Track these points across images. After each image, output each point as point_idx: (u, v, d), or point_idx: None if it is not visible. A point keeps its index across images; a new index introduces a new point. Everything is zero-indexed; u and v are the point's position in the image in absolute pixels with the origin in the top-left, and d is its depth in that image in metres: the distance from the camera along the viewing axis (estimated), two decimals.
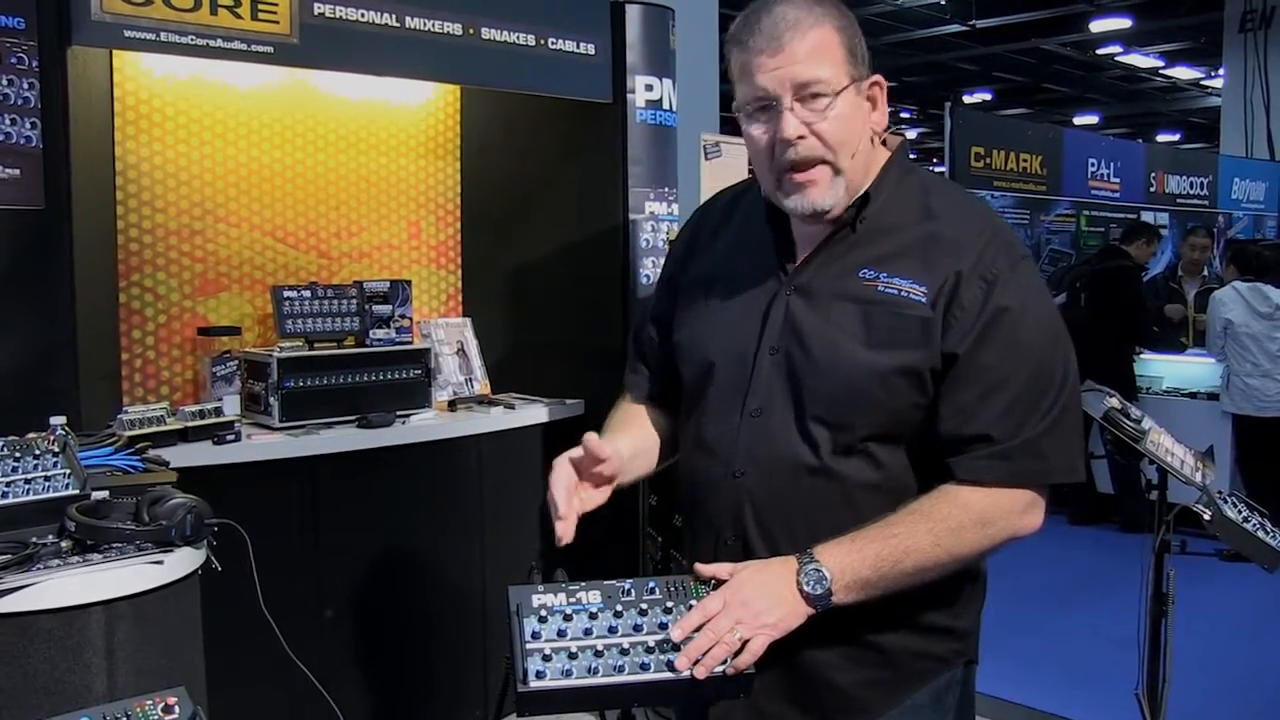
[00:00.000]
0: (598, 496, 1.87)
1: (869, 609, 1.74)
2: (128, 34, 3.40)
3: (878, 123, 1.84)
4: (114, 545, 2.38)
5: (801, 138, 1.74)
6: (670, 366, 2.05)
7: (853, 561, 1.69)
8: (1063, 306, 6.95)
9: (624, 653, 1.61)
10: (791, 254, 1.90)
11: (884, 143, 1.90)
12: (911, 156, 1.97)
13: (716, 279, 1.97)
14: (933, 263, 1.76)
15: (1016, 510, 1.75)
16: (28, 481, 2.42)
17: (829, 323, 1.80)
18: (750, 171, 1.97)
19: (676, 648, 1.62)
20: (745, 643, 1.63)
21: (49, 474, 2.45)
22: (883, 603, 1.74)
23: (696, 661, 1.60)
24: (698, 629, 1.63)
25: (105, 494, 2.59)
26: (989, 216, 1.89)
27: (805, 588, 1.67)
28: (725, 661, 1.62)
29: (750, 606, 1.64)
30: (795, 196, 1.79)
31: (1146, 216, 10.45)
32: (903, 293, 1.76)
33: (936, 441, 1.77)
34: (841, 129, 1.76)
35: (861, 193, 1.83)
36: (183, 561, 2.45)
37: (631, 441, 2.03)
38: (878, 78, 1.83)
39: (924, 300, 1.74)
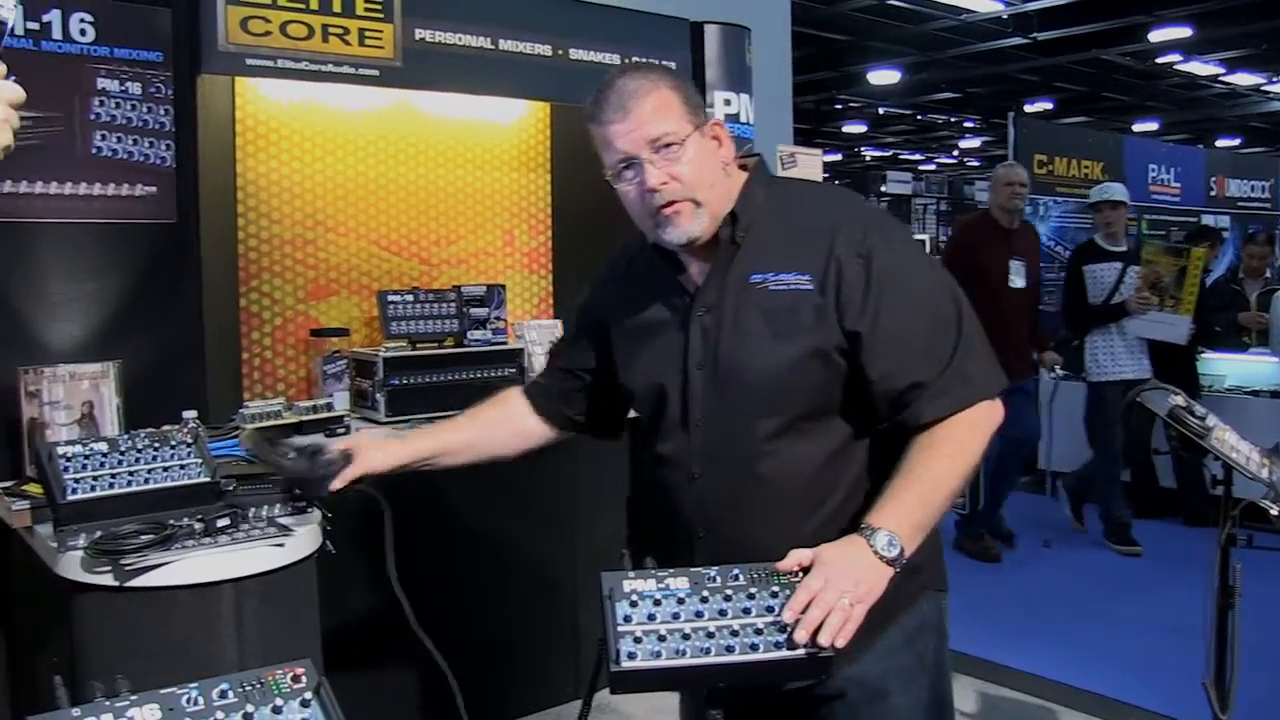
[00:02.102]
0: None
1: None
2: (249, 62, 3.51)
3: (725, 156, 1.97)
4: (241, 528, 2.48)
5: (664, 184, 1.88)
6: (565, 392, 2.37)
7: (905, 512, 1.78)
8: None
9: (710, 636, 1.62)
10: (690, 283, 2.02)
11: (743, 167, 2.03)
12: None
13: (638, 326, 2.10)
14: (810, 252, 1.90)
15: (978, 422, 1.88)
16: (165, 469, 2.52)
17: (737, 329, 1.93)
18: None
19: (760, 631, 1.63)
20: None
21: (184, 463, 2.55)
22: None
23: (815, 637, 1.63)
24: (805, 609, 1.65)
25: (233, 481, 2.68)
26: (850, 201, 2.06)
27: (882, 553, 1.73)
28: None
29: (850, 577, 1.68)
30: (669, 229, 1.92)
31: (1207, 219, 10.26)
32: (791, 286, 1.89)
33: (880, 410, 1.89)
34: (694, 170, 1.90)
35: (728, 213, 1.96)
36: (302, 543, 2.53)
37: (472, 432, 2.43)
38: (717, 119, 2.00)
39: (811, 288, 1.88)
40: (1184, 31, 14.20)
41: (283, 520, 2.61)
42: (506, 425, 2.41)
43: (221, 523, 2.46)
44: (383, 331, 4.22)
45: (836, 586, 1.66)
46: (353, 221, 4.50)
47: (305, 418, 3.67)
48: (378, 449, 2.27)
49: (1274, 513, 2.99)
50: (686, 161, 1.88)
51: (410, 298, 4.26)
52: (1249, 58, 16.77)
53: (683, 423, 1.98)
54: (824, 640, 1.61)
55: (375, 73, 3.78)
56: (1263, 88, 19.26)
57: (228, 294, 4.05)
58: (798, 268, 1.89)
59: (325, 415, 3.74)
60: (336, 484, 2.16)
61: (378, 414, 3.99)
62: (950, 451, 1.84)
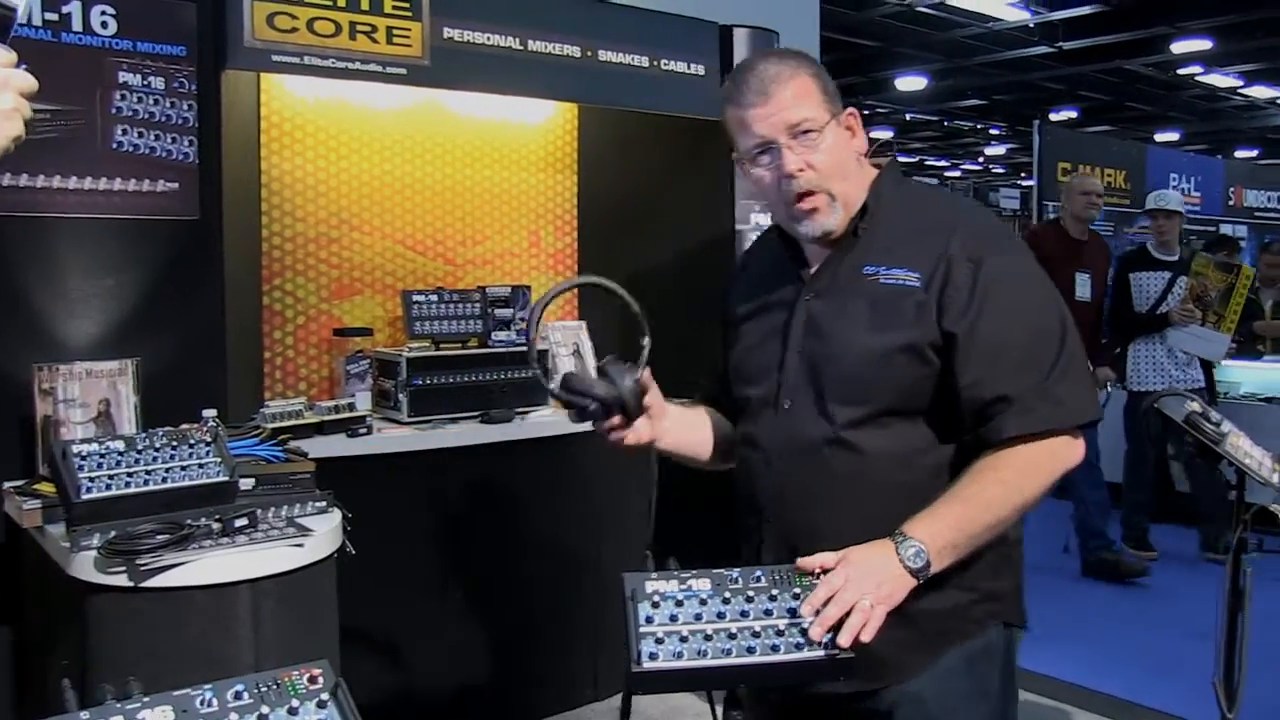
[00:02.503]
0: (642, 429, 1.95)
1: None
2: (275, 58, 3.45)
3: (859, 147, 1.97)
4: (259, 529, 2.42)
5: (801, 170, 1.88)
6: (722, 380, 2.20)
7: (940, 529, 1.74)
8: None
9: (731, 637, 1.61)
10: (807, 269, 2.02)
11: (876, 166, 2.03)
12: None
13: (751, 311, 2.10)
14: (923, 251, 1.88)
15: (1056, 450, 1.83)
16: (183, 469, 2.46)
17: (842, 317, 1.92)
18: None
19: (781, 633, 1.62)
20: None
21: (202, 462, 2.50)
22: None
23: (833, 636, 1.62)
24: (825, 604, 1.64)
25: (251, 482, 2.63)
26: (974, 209, 2.10)
27: (908, 563, 1.71)
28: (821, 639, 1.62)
29: (871, 578, 1.67)
30: (805, 223, 1.92)
31: (1225, 229, 10.20)
32: (900, 281, 1.87)
33: (963, 419, 1.85)
34: (831, 158, 1.90)
35: (859, 206, 1.95)
36: (322, 544, 2.48)
37: (686, 413, 2.17)
38: (851, 110, 1.97)
39: (918, 284, 1.86)
40: (1205, 44, 14.26)
41: (302, 520, 2.56)
42: (723, 428, 2.22)
43: (240, 523, 2.41)
44: (406, 331, 4.17)
45: (857, 586, 1.66)
46: (378, 220, 4.45)
47: (327, 418, 3.63)
48: (662, 413, 2.03)
49: None
50: (824, 150, 1.88)
51: (434, 298, 4.21)
52: (1266, 71, 16.81)
53: (772, 404, 1.98)
54: (842, 640, 1.60)
55: (403, 71, 3.72)
56: (1279, 100, 19.19)
57: (250, 292, 4.01)
58: (910, 264, 1.88)
59: (347, 415, 3.71)
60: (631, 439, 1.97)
61: (400, 414, 3.94)
62: (1009, 479, 1.80)
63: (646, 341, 1.94)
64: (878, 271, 1.89)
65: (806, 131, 1.86)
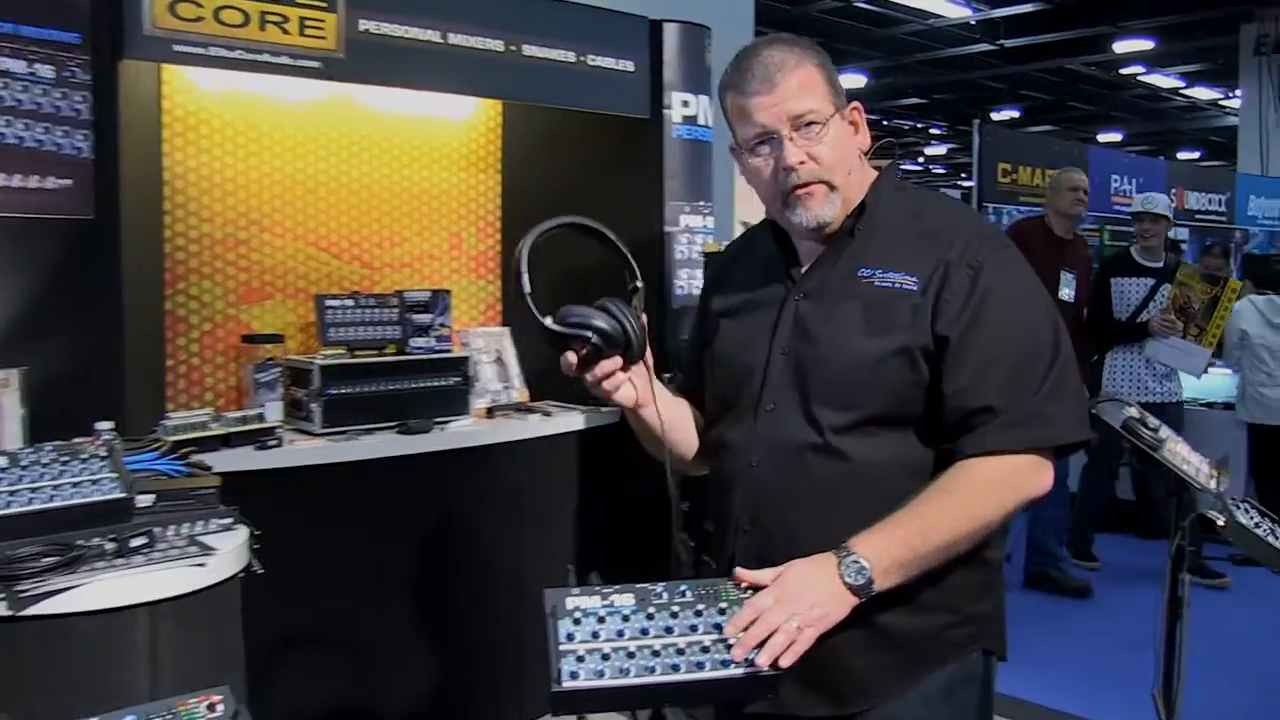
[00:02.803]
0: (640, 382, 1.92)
1: (885, 593, 1.79)
2: (178, 49, 3.39)
3: (861, 143, 1.98)
4: (158, 548, 2.36)
5: (802, 163, 1.88)
6: (698, 375, 2.18)
7: (886, 546, 1.74)
8: None
9: (655, 654, 1.61)
10: (797, 268, 2.02)
11: (876, 168, 2.04)
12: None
13: (734, 307, 2.10)
14: (922, 255, 1.89)
15: (1025, 472, 1.83)
16: (75, 485, 2.38)
17: (833, 319, 1.91)
18: None
19: (706, 649, 1.62)
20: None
21: (95, 478, 2.42)
22: (901, 588, 1.79)
23: (760, 656, 1.62)
24: (751, 625, 1.64)
25: (151, 498, 2.56)
26: (974, 216, 2.09)
27: (848, 579, 1.71)
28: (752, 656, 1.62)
29: (802, 599, 1.67)
30: (800, 211, 1.91)
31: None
32: (896, 284, 1.88)
33: (946, 425, 1.85)
34: (834, 152, 1.90)
35: (857, 204, 1.96)
36: (226, 563, 2.43)
37: (672, 401, 2.11)
38: (855, 104, 1.97)
39: (915, 288, 1.87)
40: (1146, 44, 14.61)
41: (205, 538, 2.51)
42: (703, 425, 2.18)
43: (136, 542, 2.35)
44: (320, 338, 4.12)
45: (786, 607, 1.66)
46: (289, 221, 4.40)
47: (234, 429, 3.57)
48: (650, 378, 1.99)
49: (1221, 523, 3.08)
50: (826, 142, 1.88)
51: (350, 302, 4.17)
52: (1208, 72, 17.22)
53: (754, 407, 1.97)
54: (761, 660, 1.61)
55: (316, 64, 3.67)
56: (1220, 102, 19.69)
57: (151, 296, 3.93)
58: (907, 269, 1.88)
59: (256, 426, 3.65)
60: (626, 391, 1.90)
61: (313, 425, 3.89)
62: (967, 500, 1.80)
63: (639, 284, 1.92)
64: (874, 274, 1.90)
65: (810, 124, 1.87)
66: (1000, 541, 1.98)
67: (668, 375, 2.28)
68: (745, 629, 1.63)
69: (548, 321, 1.86)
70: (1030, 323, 1.88)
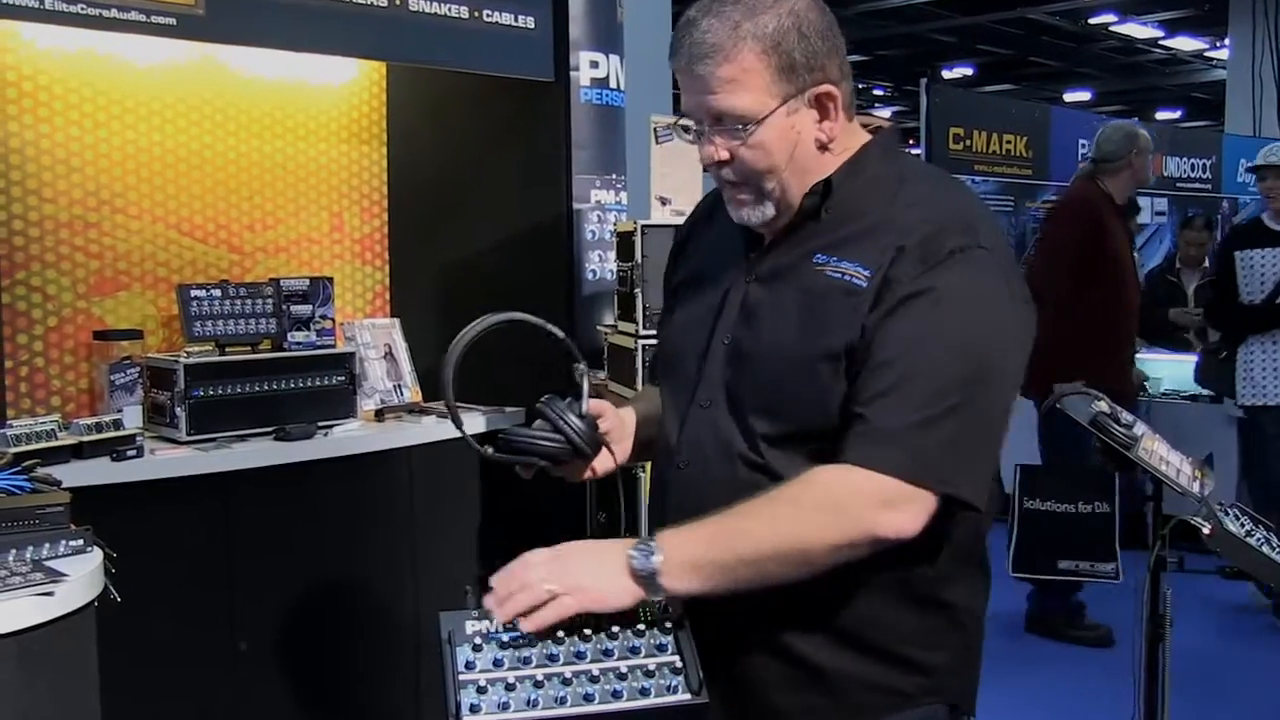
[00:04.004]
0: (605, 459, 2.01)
1: (807, 623, 1.83)
2: (7, 2, 3.36)
3: (829, 130, 1.88)
4: None
5: (725, 162, 1.86)
6: None
7: (687, 541, 1.74)
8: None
9: (566, 683, 1.64)
10: (759, 244, 1.98)
11: (876, 129, 1.98)
12: None
13: (692, 278, 2.10)
14: (882, 241, 1.82)
15: (874, 502, 1.72)
16: None
17: (776, 311, 1.89)
18: None
19: (623, 676, 1.65)
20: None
21: None
22: (824, 621, 1.82)
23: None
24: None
25: None
26: (962, 203, 1.92)
27: (633, 562, 1.72)
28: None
29: (568, 567, 1.72)
30: (732, 208, 1.92)
31: (1143, 202, 10.50)
32: (846, 275, 1.82)
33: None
34: (763, 155, 1.84)
35: (820, 180, 1.89)
36: (77, 592, 2.43)
37: (644, 407, 2.16)
38: (827, 87, 1.86)
39: (863, 284, 1.80)
40: None
41: (53, 563, 2.51)
42: None
43: None
44: (184, 334, 4.11)
45: (548, 569, 1.71)
46: (146, 201, 4.38)
47: (86, 438, 3.55)
48: (624, 434, 2.09)
49: (1206, 531, 3.03)
50: (755, 144, 1.83)
51: (218, 293, 4.16)
52: (1190, 19, 17.26)
53: (687, 401, 1.97)
54: (500, 619, 1.68)
55: (171, 21, 3.65)
56: (1205, 54, 19.87)
57: None
58: (863, 258, 1.82)
59: (112, 434, 3.63)
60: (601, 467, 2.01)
61: (178, 432, 3.88)
62: (790, 516, 1.73)
63: (582, 367, 1.98)
64: (827, 262, 1.85)
65: (738, 124, 1.81)
66: (970, 584, 1.97)
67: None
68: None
69: (487, 451, 1.96)
70: (954, 342, 1.76)
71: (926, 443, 1.72)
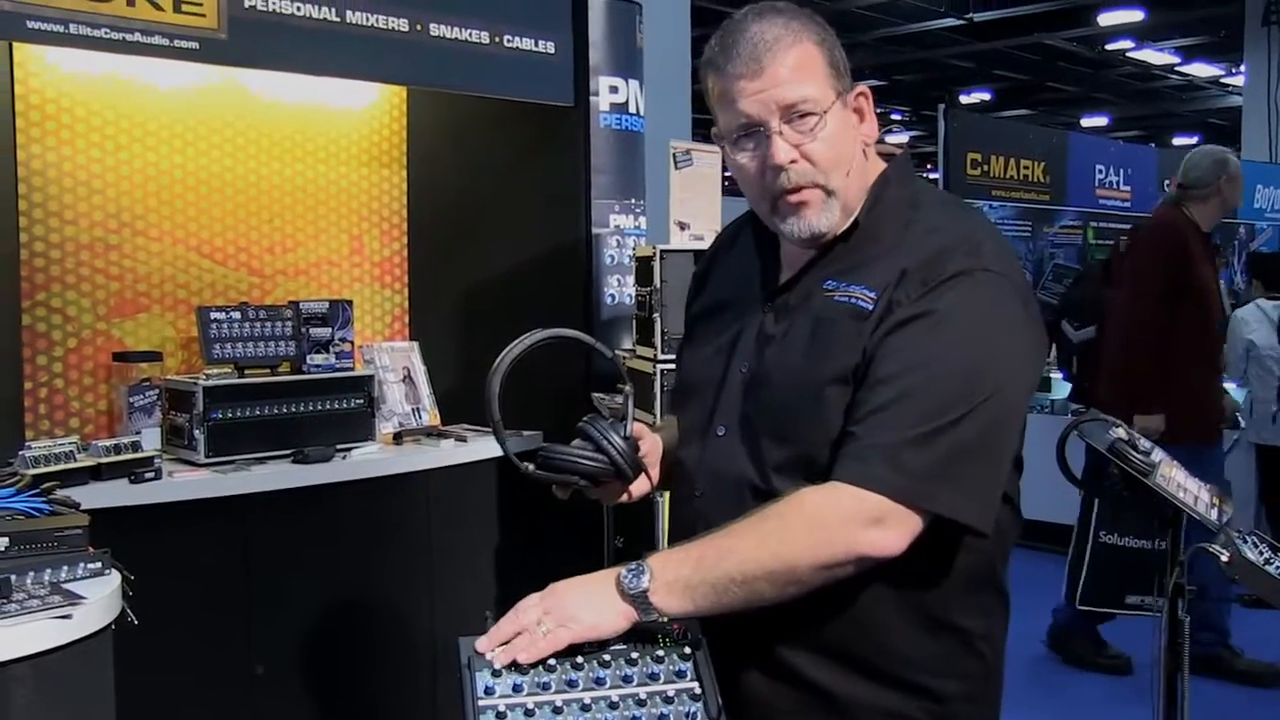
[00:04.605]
0: (642, 483, 2.00)
1: (817, 648, 1.83)
2: (31, 25, 3.37)
3: (868, 134, 1.91)
4: (14, 599, 2.36)
5: (794, 162, 1.81)
6: None
7: (677, 560, 1.73)
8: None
9: (585, 709, 1.63)
10: (777, 277, 1.98)
11: (888, 156, 1.99)
12: None
13: (712, 309, 2.10)
14: (890, 265, 1.82)
15: (858, 520, 1.71)
16: None
17: (787, 337, 1.88)
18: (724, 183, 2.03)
19: (642, 702, 1.65)
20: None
21: None
22: (835, 647, 1.82)
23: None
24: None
25: (4, 541, 2.56)
26: (970, 228, 1.91)
27: (625, 583, 1.71)
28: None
29: (562, 602, 1.71)
30: (792, 220, 1.86)
31: None
32: (853, 299, 1.82)
33: None
34: (832, 148, 1.83)
35: (860, 207, 1.90)
36: (95, 614, 2.43)
37: (668, 435, 2.14)
38: (862, 88, 1.91)
39: (869, 306, 1.80)
40: (1135, 15, 14.65)
41: (71, 586, 2.50)
42: None
43: None
44: (203, 356, 4.12)
45: (544, 608, 1.71)
46: (167, 223, 4.40)
47: (105, 460, 3.55)
48: (656, 458, 2.08)
49: (1225, 559, 2.98)
50: (824, 138, 1.82)
51: (237, 315, 4.17)
52: (1206, 46, 17.30)
53: (704, 429, 1.97)
54: (498, 662, 1.66)
55: (194, 46, 3.68)
56: (1221, 80, 19.89)
57: (5, 310, 3.93)
58: (871, 280, 1.82)
59: (130, 456, 3.63)
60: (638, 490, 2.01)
61: (196, 454, 3.88)
62: (777, 534, 1.72)
63: (629, 389, 1.97)
64: (836, 287, 1.85)
65: (805, 115, 1.80)
66: (986, 609, 1.95)
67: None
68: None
69: (530, 470, 1.92)
70: (952, 363, 1.75)
71: (915, 462, 1.71)
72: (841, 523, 1.71)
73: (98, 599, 2.44)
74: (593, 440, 1.91)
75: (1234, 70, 17.83)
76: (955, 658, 1.90)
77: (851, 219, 1.88)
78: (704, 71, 1.87)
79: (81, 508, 2.88)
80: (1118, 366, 5.43)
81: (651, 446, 2.01)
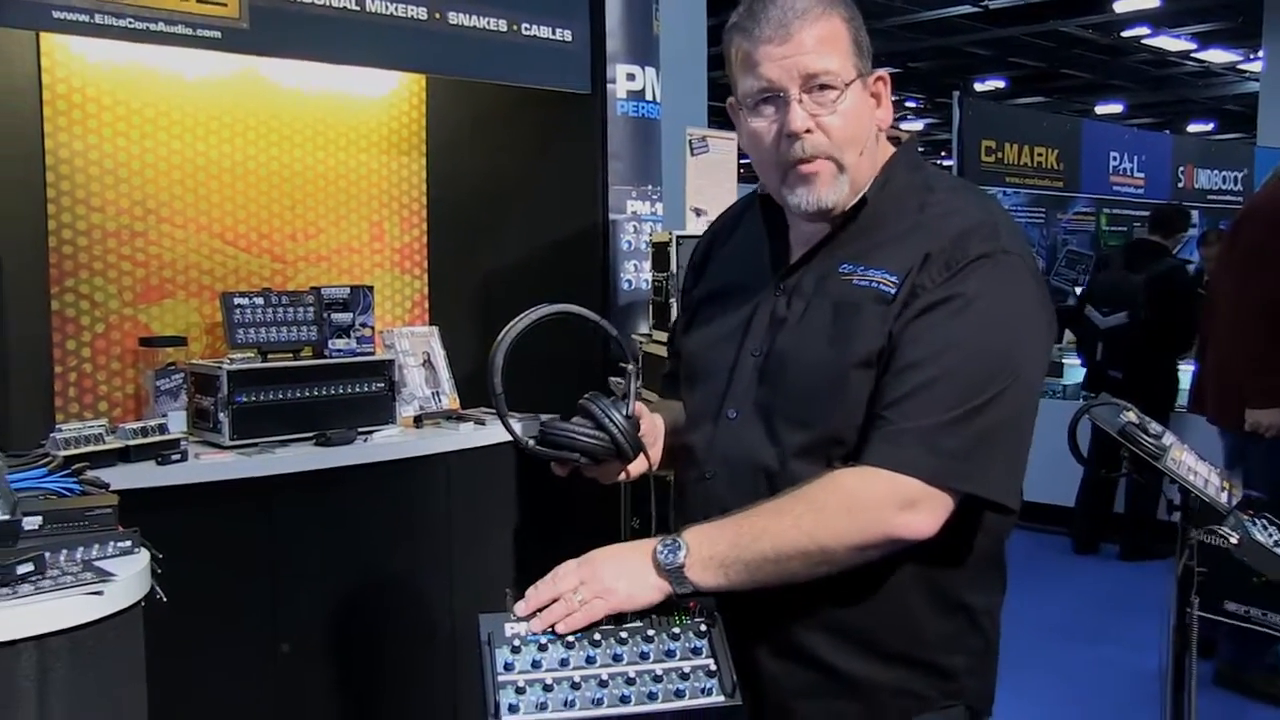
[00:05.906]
0: (640, 463, 1.98)
1: (831, 627, 1.84)
2: (57, 15, 3.39)
3: (883, 119, 1.92)
4: (48, 575, 2.39)
5: (809, 131, 1.82)
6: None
7: (712, 537, 1.75)
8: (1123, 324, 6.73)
9: (603, 684, 1.65)
10: (787, 259, 1.98)
11: (896, 140, 1.99)
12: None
13: (718, 291, 2.09)
14: (911, 248, 1.83)
15: (892, 503, 1.73)
16: None
17: (802, 322, 1.89)
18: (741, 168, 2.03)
19: (659, 679, 1.66)
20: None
21: None
22: (850, 627, 1.83)
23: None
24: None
25: (38, 520, 2.59)
26: (984, 206, 1.93)
27: (660, 557, 1.73)
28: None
29: (597, 572, 1.74)
30: (801, 191, 1.86)
31: None
32: (874, 283, 1.83)
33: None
34: (849, 124, 1.84)
35: (867, 188, 1.91)
36: (125, 591, 2.45)
37: (668, 417, 2.12)
38: (882, 73, 1.91)
39: (891, 290, 1.81)
40: (1151, 0, 14.48)
41: (102, 563, 2.53)
42: None
43: (23, 569, 2.37)
44: (227, 340, 4.13)
45: (579, 575, 1.74)
46: (191, 210, 4.42)
47: (132, 442, 3.58)
48: (656, 439, 2.06)
49: (1233, 541, 3.01)
50: (841, 112, 1.82)
51: (260, 301, 4.18)
52: (1223, 32, 17.16)
53: (715, 413, 1.97)
54: (536, 627, 1.69)
55: (216, 35, 3.69)
56: (1239, 66, 19.73)
57: (34, 296, 3.95)
58: (891, 264, 1.83)
59: (157, 439, 3.66)
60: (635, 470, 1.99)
61: (221, 437, 3.91)
62: (811, 516, 1.73)
63: (632, 368, 1.95)
64: (854, 270, 1.85)
65: (825, 87, 1.81)
66: (990, 585, 1.98)
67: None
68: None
69: (530, 445, 1.91)
70: (979, 347, 1.77)
71: (949, 444, 1.73)
72: (876, 505, 1.73)
73: (128, 576, 2.45)
74: (593, 417, 1.90)
75: (1252, 56, 17.66)
76: (963, 634, 1.93)
77: (859, 197, 1.89)
78: (728, 36, 1.87)
79: (110, 488, 2.92)
80: (1269, 357, 5.02)
81: (651, 426, 2.00)
